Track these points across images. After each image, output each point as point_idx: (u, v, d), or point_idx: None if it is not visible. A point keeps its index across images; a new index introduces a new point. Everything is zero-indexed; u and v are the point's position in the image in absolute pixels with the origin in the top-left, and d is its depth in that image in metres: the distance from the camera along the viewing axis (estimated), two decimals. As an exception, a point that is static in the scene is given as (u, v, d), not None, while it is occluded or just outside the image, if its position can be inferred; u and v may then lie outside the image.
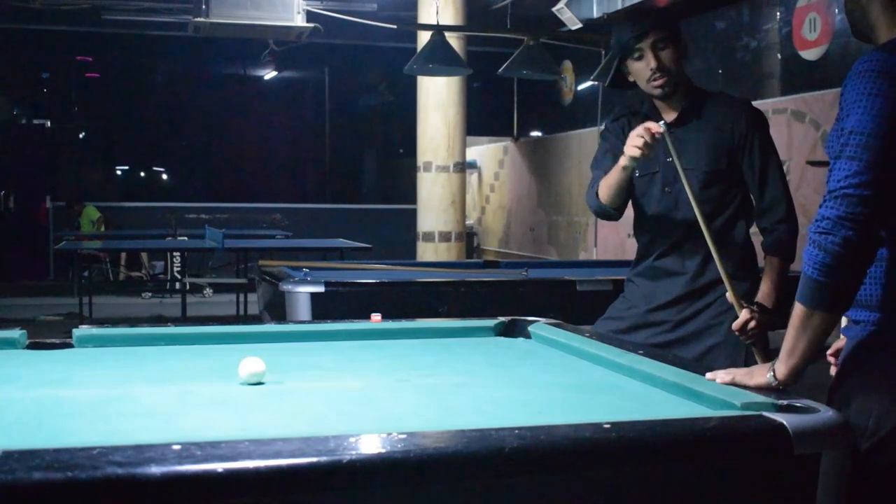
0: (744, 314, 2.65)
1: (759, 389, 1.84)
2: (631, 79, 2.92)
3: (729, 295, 2.67)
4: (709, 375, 1.95)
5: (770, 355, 2.73)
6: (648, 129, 2.61)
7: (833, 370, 2.06)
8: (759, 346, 2.72)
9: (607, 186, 2.88)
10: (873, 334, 1.92)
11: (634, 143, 2.63)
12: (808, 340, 1.84)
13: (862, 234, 1.75)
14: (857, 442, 1.79)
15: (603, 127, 3.05)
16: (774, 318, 2.76)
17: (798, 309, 1.84)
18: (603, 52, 9.16)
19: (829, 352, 2.12)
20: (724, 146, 2.85)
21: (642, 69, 2.82)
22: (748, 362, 2.75)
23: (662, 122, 2.64)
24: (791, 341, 1.87)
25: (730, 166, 2.86)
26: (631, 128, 2.83)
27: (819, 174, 3.18)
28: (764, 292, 2.81)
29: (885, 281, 1.90)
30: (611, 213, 2.96)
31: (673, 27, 2.83)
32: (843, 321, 2.02)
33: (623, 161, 2.74)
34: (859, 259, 1.78)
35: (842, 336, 2.04)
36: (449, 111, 9.66)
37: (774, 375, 1.88)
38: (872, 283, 1.92)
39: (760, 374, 1.91)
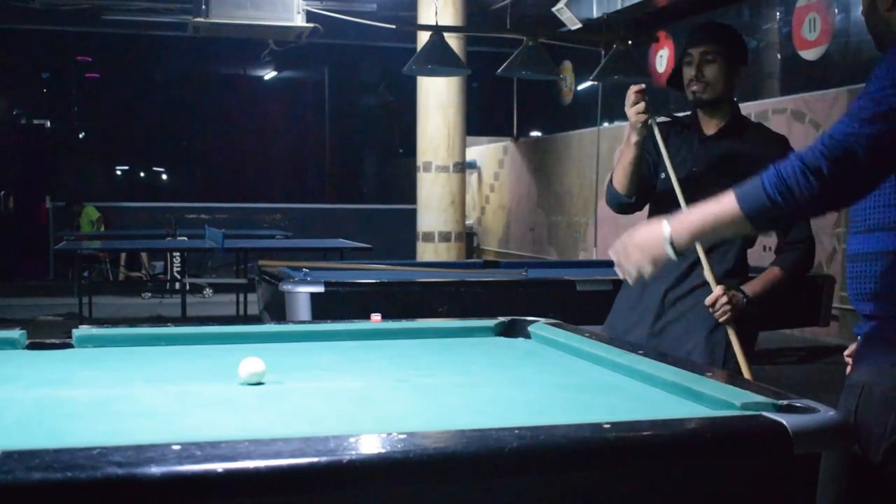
0: (717, 290, 2.76)
1: (757, 387, 1.83)
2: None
3: (706, 273, 2.77)
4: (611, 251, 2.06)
5: (749, 354, 2.79)
6: (632, 91, 2.81)
7: (850, 370, 2.06)
8: (742, 341, 2.77)
9: (620, 168, 2.96)
10: (887, 328, 1.92)
11: (633, 110, 2.82)
12: (719, 235, 1.96)
13: (833, 186, 1.75)
14: (878, 438, 1.82)
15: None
16: (753, 309, 2.83)
17: (733, 210, 1.86)
18: (602, 53, 9.16)
19: (846, 353, 2.12)
20: (754, 172, 2.86)
21: (687, 73, 2.97)
22: (727, 361, 2.80)
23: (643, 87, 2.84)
24: (707, 219, 1.91)
25: None
26: (678, 135, 3.01)
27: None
28: (752, 286, 2.87)
29: None
30: (627, 201, 3.00)
31: (731, 48, 2.94)
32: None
33: (633, 136, 2.86)
34: (815, 205, 1.79)
35: (858, 336, 2.03)
36: (449, 111, 9.67)
37: (669, 233, 1.94)
38: (892, 276, 1.90)
39: (657, 235, 1.96)
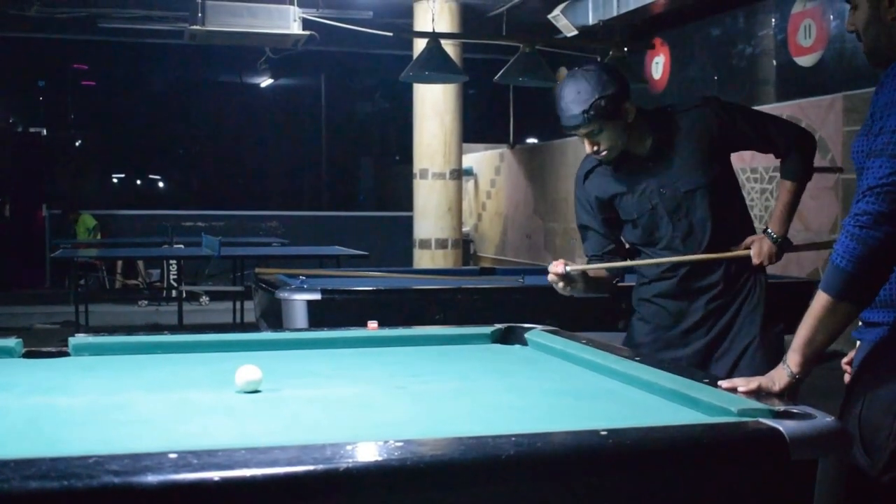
0: (754, 247, 2.85)
1: (766, 395, 1.83)
2: None
3: (733, 252, 2.85)
4: (725, 384, 1.91)
5: (776, 354, 2.81)
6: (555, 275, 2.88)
7: (847, 378, 2.06)
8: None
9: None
10: (889, 334, 1.93)
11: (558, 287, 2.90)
12: (829, 331, 1.85)
13: (893, 234, 1.76)
14: (882, 442, 1.83)
15: (578, 175, 3.13)
16: (787, 245, 2.91)
17: (822, 299, 1.84)
18: (598, 60, 9.17)
19: (843, 360, 2.12)
20: (708, 151, 2.88)
21: (587, 148, 2.91)
22: (780, 355, 2.82)
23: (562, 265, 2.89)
24: (810, 332, 1.87)
25: (723, 168, 2.91)
26: (614, 175, 2.98)
27: (816, 179, 3.20)
28: (775, 216, 2.91)
29: None
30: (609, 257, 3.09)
31: (603, 109, 2.77)
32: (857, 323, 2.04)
33: (566, 292, 2.94)
34: (885, 257, 1.79)
35: (857, 343, 2.04)
36: (445, 118, 9.67)
37: (790, 370, 1.90)
38: (892, 283, 1.92)
39: (780, 376, 1.92)
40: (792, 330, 2.03)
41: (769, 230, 2.88)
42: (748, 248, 2.87)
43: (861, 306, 1.86)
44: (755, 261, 2.85)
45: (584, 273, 2.93)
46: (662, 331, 2.97)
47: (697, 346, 2.92)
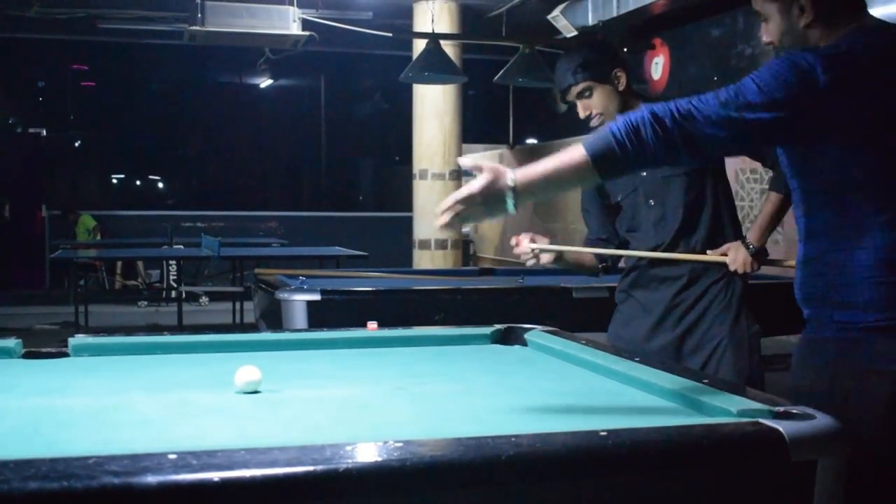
0: (730, 254, 2.85)
1: (753, 394, 1.84)
2: None
3: (710, 256, 2.87)
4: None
5: (756, 357, 2.84)
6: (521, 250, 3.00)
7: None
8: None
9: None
10: (825, 332, 1.97)
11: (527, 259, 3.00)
12: (560, 178, 1.80)
13: (674, 141, 1.77)
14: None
15: None
16: (762, 256, 2.90)
17: (578, 151, 1.79)
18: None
19: None
20: None
21: (580, 112, 3.00)
22: (752, 357, 2.83)
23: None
24: (549, 167, 1.80)
25: (708, 164, 2.95)
26: None
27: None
28: (755, 226, 2.92)
29: (827, 279, 1.95)
30: (607, 253, 3.13)
31: (596, 69, 2.93)
32: None
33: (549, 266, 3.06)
34: (657, 154, 1.78)
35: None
36: (445, 119, 9.67)
37: (515, 185, 1.78)
38: (818, 282, 1.97)
39: (495, 187, 1.80)
40: (770, 332, 2.06)
41: (746, 239, 2.90)
42: (725, 254, 2.88)
43: (602, 179, 1.83)
44: (731, 268, 2.86)
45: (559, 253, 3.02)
46: (635, 322, 3.03)
47: (666, 339, 2.96)
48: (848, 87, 1.82)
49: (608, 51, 3.03)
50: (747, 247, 2.86)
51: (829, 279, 1.95)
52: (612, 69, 2.94)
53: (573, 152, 1.80)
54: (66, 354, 2.47)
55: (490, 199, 1.80)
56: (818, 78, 1.79)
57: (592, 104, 2.94)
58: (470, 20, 10.10)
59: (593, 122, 2.97)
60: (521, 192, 1.78)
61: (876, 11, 2.04)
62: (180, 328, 8.70)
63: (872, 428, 1.79)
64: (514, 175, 1.79)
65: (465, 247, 12.57)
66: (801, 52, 1.86)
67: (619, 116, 1.83)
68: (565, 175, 1.80)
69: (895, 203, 1.89)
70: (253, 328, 6.10)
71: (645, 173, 2.91)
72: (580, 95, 2.95)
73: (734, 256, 2.86)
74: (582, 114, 2.98)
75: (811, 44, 1.99)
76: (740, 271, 2.86)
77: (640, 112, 1.80)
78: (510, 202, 1.79)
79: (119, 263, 12.02)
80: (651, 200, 2.96)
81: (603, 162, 1.78)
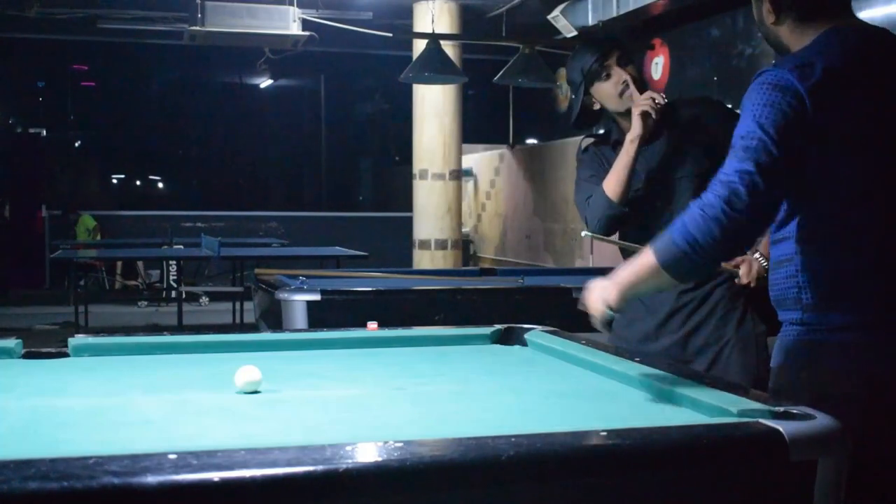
0: (743, 267, 2.77)
1: (753, 394, 1.84)
2: (597, 106, 3.00)
3: (723, 266, 2.77)
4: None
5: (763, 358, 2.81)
6: (652, 97, 2.81)
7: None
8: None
9: (617, 176, 2.87)
10: (796, 333, 1.99)
11: (646, 102, 2.79)
12: (649, 287, 1.99)
13: (734, 227, 1.84)
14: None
15: (578, 155, 3.14)
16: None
17: (649, 257, 1.94)
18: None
19: None
20: (702, 145, 2.88)
21: (611, 87, 2.92)
22: (759, 356, 2.82)
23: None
24: (633, 279, 1.98)
25: (713, 164, 2.90)
26: (602, 156, 2.99)
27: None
28: (764, 241, 2.86)
29: (800, 281, 1.96)
30: (621, 210, 2.92)
31: (624, 49, 2.94)
32: None
33: (637, 129, 2.81)
34: (722, 247, 1.88)
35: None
36: (444, 119, 9.67)
37: (607, 301, 2.00)
38: (789, 283, 1.98)
39: (596, 302, 2.02)
40: (776, 332, 2.07)
41: (760, 252, 2.85)
42: (737, 266, 2.84)
43: (677, 279, 1.95)
44: (743, 280, 2.81)
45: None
46: (639, 322, 2.98)
47: (671, 340, 2.91)
48: (824, 103, 1.87)
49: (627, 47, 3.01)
50: (760, 262, 2.80)
51: (799, 280, 1.96)
52: (632, 58, 2.94)
53: (646, 259, 1.95)
54: (66, 354, 2.47)
55: (602, 325, 2.06)
56: (803, 97, 1.86)
57: (630, 72, 2.89)
58: (470, 20, 10.10)
59: (628, 93, 2.90)
60: (612, 304, 2.01)
61: (876, 11, 2.05)
62: (180, 328, 8.71)
63: (850, 429, 1.80)
64: (610, 303, 2.00)
65: (465, 247, 12.58)
66: (776, 71, 1.90)
67: (677, 220, 1.91)
68: (644, 282, 1.99)
69: (866, 205, 1.92)
70: (253, 328, 6.10)
71: (652, 172, 2.88)
72: (619, 60, 2.90)
73: (748, 269, 2.80)
74: (621, 78, 2.89)
75: (782, 40, 2.04)
76: (753, 285, 2.81)
77: (693, 212, 1.88)
78: (606, 313, 2.03)
79: (119, 263, 12.03)
80: (659, 201, 2.92)
81: (673, 269, 1.92)
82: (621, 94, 2.91)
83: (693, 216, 1.88)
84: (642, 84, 2.94)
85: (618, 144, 2.93)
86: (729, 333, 2.88)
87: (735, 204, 1.83)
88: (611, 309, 2.00)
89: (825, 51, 1.92)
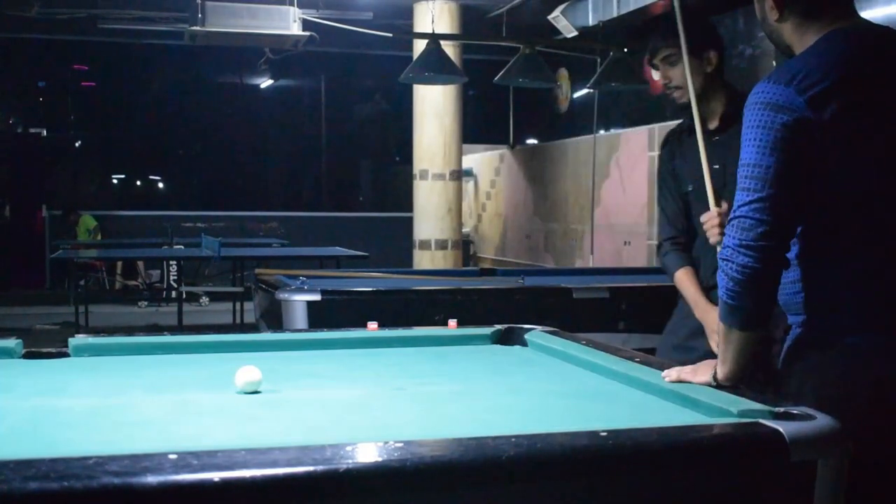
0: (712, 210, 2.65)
1: (754, 394, 1.84)
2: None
3: None
4: (663, 374, 2.04)
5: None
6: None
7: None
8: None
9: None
10: (802, 336, 1.99)
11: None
12: (735, 352, 1.92)
13: (760, 260, 1.83)
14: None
15: (658, 154, 3.15)
16: None
17: (725, 329, 1.92)
18: (599, 60, 9.18)
19: None
20: None
21: (657, 78, 2.98)
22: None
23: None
24: (721, 351, 1.95)
25: None
26: (681, 144, 2.96)
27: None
28: None
29: (805, 285, 1.96)
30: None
31: (690, 40, 2.76)
32: None
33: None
34: (762, 283, 1.86)
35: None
36: (445, 119, 9.67)
37: (715, 377, 1.96)
38: (794, 288, 1.98)
39: (704, 372, 1.98)
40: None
41: None
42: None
43: (751, 331, 1.90)
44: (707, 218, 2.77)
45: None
46: (690, 319, 2.96)
47: (706, 349, 2.88)
48: (825, 111, 1.85)
49: (707, 28, 2.91)
50: None
51: (803, 284, 1.96)
52: (705, 47, 2.84)
53: (725, 332, 1.92)
54: (66, 354, 2.47)
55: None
56: (800, 110, 1.84)
57: (673, 74, 2.86)
58: (470, 20, 10.10)
59: (675, 95, 2.87)
60: (729, 382, 1.96)
61: (876, 11, 2.04)
62: (180, 328, 8.70)
63: (857, 433, 1.80)
64: (719, 377, 1.96)
65: (465, 247, 12.58)
66: (770, 87, 1.89)
67: (717, 280, 1.90)
68: (746, 352, 1.92)
69: (870, 210, 1.91)
70: (253, 328, 6.10)
71: (716, 165, 2.78)
72: (665, 60, 2.88)
73: (714, 216, 2.76)
74: (660, 81, 2.90)
75: (785, 38, 2.03)
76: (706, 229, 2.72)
77: (720, 263, 1.88)
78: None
79: (119, 263, 12.02)
80: (719, 194, 2.87)
81: (747, 324, 1.89)
82: (665, 92, 2.91)
83: (721, 267, 1.88)
84: (718, 76, 2.87)
85: (690, 130, 2.85)
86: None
87: (746, 240, 1.83)
88: (718, 384, 1.96)
89: (827, 56, 1.90)
